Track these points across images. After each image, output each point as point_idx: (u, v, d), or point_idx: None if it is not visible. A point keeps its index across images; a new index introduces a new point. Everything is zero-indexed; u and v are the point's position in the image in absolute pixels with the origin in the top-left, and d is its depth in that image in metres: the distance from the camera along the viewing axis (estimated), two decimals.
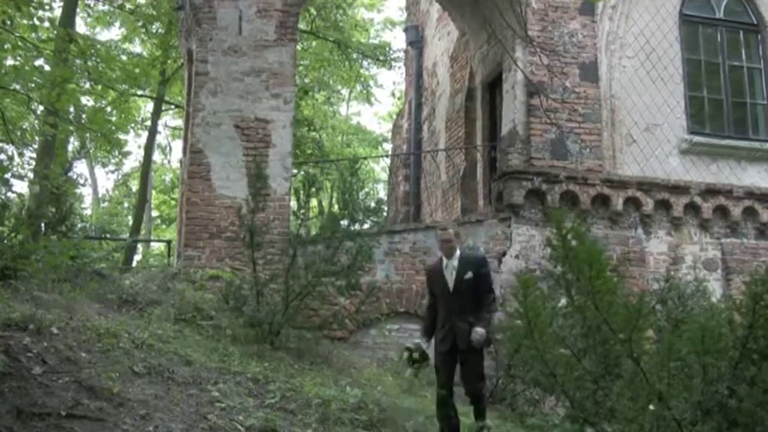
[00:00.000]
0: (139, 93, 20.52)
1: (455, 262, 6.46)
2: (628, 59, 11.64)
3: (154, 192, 29.52)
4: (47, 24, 11.28)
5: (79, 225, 10.45)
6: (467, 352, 6.27)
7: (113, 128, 15.78)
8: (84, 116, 13.72)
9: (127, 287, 8.95)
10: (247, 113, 10.26)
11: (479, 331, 6.18)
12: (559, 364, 6.03)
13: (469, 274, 6.38)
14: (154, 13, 18.36)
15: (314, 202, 23.14)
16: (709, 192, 11.31)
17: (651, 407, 5.04)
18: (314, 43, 22.01)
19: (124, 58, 16.60)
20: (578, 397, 5.88)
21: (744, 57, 12.24)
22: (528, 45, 11.12)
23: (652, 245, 11.06)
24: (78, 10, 17.05)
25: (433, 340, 6.59)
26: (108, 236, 19.97)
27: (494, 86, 12.73)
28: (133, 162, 29.37)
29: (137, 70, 14.53)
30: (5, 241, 7.15)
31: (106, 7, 20.03)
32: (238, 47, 10.41)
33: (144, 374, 6.02)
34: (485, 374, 6.56)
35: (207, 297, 8.86)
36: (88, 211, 25.92)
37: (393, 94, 30.85)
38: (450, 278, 6.44)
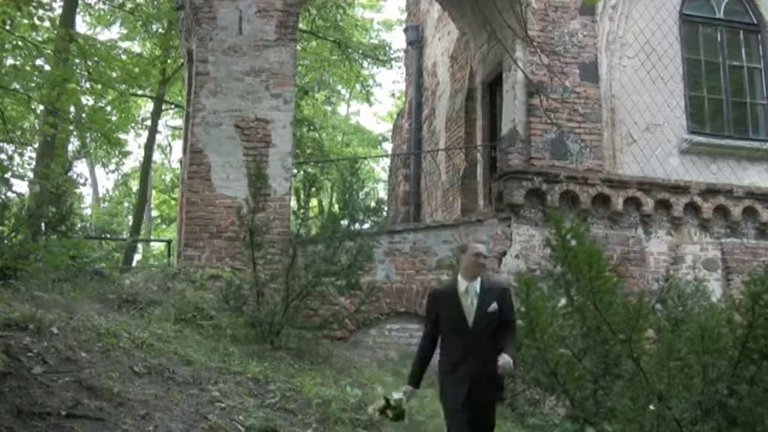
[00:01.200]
0: (139, 93, 20.54)
1: (477, 287, 5.11)
2: (628, 59, 11.64)
3: (154, 192, 29.53)
4: (47, 24, 11.26)
5: (79, 225, 10.43)
6: (482, 404, 5.01)
7: (113, 127, 15.77)
8: (84, 116, 13.72)
9: (127, 287, 8.96)
10: (247, 113, 10.26)
11: (507, 359, 4.86)
12: (560, 364, 6.04)
13: (494, 306, 5.06)
14: (153, 12, 18.37)
15: (314, 202, 23.16)
16: (710, 192, 11.30)
17: (651, 407, 5.05)
18: (314, 43, 22.01)
19: (124, 57, 16.59)
20: (579, 397, 5.89)
21: (744, 57, 12.22)
22: (528, 45, 11.12)
23: (652, 245, 11.06)
24: (78, 10, 17.07)
25: (447, 378, 5.09)
26: (108, 236, 19.96)
27: (494, 86, 12.73)
28: (133, 162, 29.42)
29: (136, 70, 14.52)
30: (5, 241, 7.15)
31: (106, 7, 20.05)
32: (238, 47, 10.41)
33: (144, 374, 6.02)
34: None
35: (207, 297, 8.86)
36: (88, 211, 25.93)
37: (393, 95, 30.88)
38: (470, 308, 5.06)
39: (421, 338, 5.37)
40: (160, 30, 19.48)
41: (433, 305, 5.27)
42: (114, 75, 13.38)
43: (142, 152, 21.73)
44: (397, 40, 46.63)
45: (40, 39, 12.95)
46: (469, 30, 13.16)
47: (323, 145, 22.99)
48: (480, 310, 5.03)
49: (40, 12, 9.78)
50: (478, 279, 5.12)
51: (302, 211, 8.89)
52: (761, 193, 11.47)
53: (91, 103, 15.71)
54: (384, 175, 26.86)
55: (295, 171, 13.99)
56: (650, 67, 11.67)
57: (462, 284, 5.13)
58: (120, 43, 20.15)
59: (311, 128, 22.22)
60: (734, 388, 4.87)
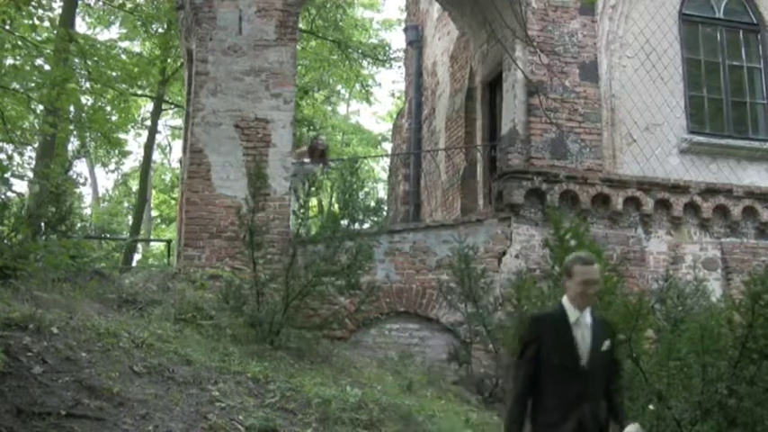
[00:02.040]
0: (139, 93, 20.53)
1: (588, 318, 4.17)
2: (628, 59, 11.63)
3: (154, 192, 29.53)
4: (47, 24, 11.29)
5: (79, 225, 10.43)
6: None
7: (113, 127, 15.80)
8: (84, 116, 13.74)
9: (127, 287, 8.96)
10: (247, 113, 10.26)
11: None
12: None
13: (607, 344, 4.19)
14: (153, 11, 18.37)
15: (314, 201, 23.16)
16: (709, 191, 11.30)
17: (651, 407, 5.05)
18: (314, 43, 22.00)
19: (124, 57, 16.59)
20: None
21: (744, 56, 12.21)
22: (528, 45, 11.12)
23: (652, 244, 11.06)
24: (78, 10, 17.07)
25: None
26: (108, 236, 19.96)
27: (494, 86, 12.73)
28: (133, 162, 29.40)
29: (136, 70, 14.54)
30: (5, 241, 7.15)
31: (105, 7, 20.04)
32: (238, 46, 10.41)
33: (144, 374, 6.02)
34: None
35: (207, 297, 8.86)
36: (88, 211, 25.90)
37: (393, 94, 30.88)
38: (584, 343, 4.11)
39: (517, 377, 4.20)
40: (160, 30, 19.47)
41: (536, 335, 4.17)
42: (114, 75, 13.40)
43: (142, 152, 21.74)
44: (397, 40, 46.64)
45: (39, 39, 12.95)
46: (469, 29, 13.16)
47: None
48: (595, 347, 4.13)
49: (40, 12, 9.81)
50: (588, 308, 4.19)
51: (302, 210, 8.89)
52: (761, 193, 11.46)
53: (91, 102, 15.72)
54: (384, 175, 26.86)
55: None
56: (650, 67, 11.66)
57: (572, 314, 4.15)
58: (120, 43, 20.19)
59: (311, 128, 22.21)
60: (734, 388, 4.87)
